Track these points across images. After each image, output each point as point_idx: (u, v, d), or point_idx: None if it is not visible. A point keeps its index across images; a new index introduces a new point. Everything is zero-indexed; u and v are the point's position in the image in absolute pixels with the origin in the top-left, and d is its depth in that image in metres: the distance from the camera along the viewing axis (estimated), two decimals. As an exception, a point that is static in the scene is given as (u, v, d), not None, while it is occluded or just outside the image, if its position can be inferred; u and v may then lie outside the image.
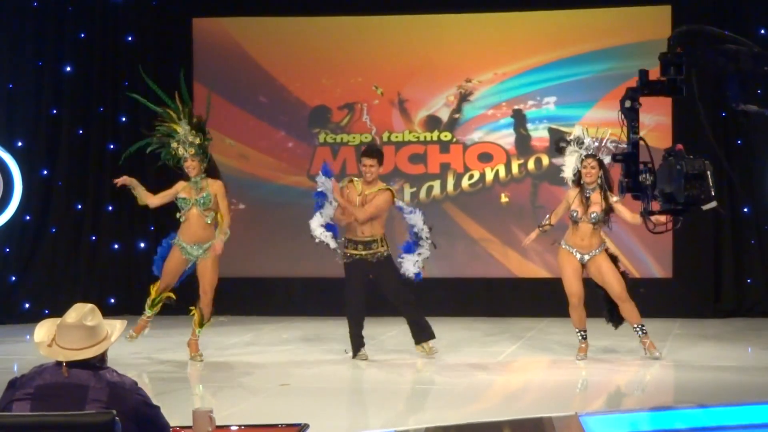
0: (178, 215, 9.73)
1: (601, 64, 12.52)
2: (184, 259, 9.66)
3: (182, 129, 9.67)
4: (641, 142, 5.12)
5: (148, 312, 9.82)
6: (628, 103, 5.19)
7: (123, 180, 9.84)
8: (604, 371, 9.12)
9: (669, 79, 5.05)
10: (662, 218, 5.24)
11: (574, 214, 9.42)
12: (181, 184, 9.73)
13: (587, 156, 9.44)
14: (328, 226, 9.61)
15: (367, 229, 9.54)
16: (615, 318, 9.55)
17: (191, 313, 9.69)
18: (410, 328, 9.72)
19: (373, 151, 9.79)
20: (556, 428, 6.99)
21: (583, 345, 9.54)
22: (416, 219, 9.75)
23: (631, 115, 5.16)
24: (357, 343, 9.60)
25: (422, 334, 9.67)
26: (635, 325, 9.43)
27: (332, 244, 9.57)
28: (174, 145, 9.70)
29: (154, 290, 9.78)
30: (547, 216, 9.69)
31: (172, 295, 9.79)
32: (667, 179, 4.98)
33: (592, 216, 9.35)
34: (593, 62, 12.53)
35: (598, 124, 12.19)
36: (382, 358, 9.69)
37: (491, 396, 8.57)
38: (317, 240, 9.61)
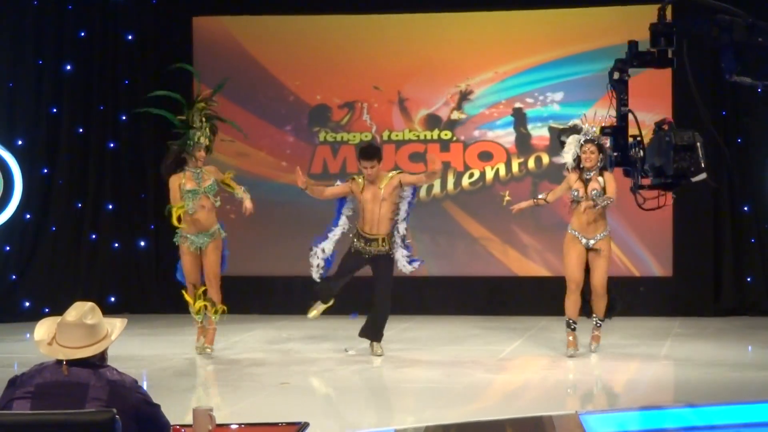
0: (186, 208, 9.66)
1: (602, 63, 12.48)
2: (195, 253, 9.69)
3: (197, 121, 9.74)
4: (630, 116, 5.03)
5: (198, 318, 9.84)
6: (616, 75, 5.13)
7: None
8: (604, 370, 9.12)
9: (659, 50, 4.97)
10: (653, 193, 5.17)
11: (575, 194, 9.43)
12: (176, 179, 9.71)
13: (586, 141, 9.45)
14: (327, 260, 9.84)
15: (374, 226, 9.58)
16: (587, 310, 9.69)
17: (201, 305, 9.73)
18: (370, 323, 9.78)
19: (369, 152, 9.79)
20: (556, 427, 6.99)
21: (571, 338, 9.56)
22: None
23: (620, 87, 5.09)
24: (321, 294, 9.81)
25: (377, 334, 9.76)
26: (597, 317, 9.62)
27: (314, 274, 9.83)
28: (198, 134, 9.71)
29: (188, 296, 9.81)
30: (546, 192, 9.78)
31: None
32: (657, 152, 4.89)
33: (593, 193, 9.34)
34: (593, 61, 12.51)
35: (599, 123, 12.26)
36: (382, 357, 9.68)
37: (491, 395, 8.58)
38: (313, 257, 9.78)
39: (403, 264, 9.78)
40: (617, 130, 5.03)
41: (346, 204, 9.84)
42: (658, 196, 5.14)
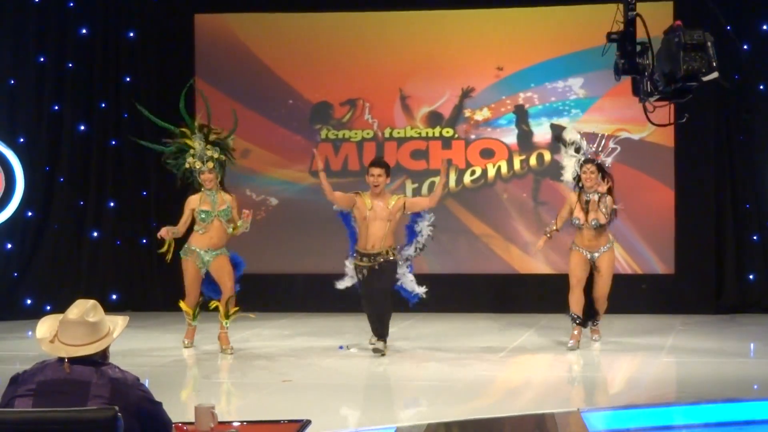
0: (196, 228, 9.77)
1: (603, 61, 12.47)
2: (198, 268, 9.76)
3: (198, 144, 9.74)
4: (638, 19, 4.85)
5: (193, 323, 10.03)
6: None
7: (163, 234, 9.77)
8: (607, 367, 9.12)
9: None
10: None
11: (576, 222, 9.68)
12: (194, 200, 9.80)
13: (586, 161, 9.62)
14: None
15: (378, 243, 9.56)
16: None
17: (212, 308, 9.78)
18: (379, 322, 9.70)
19: (380, 162, 9.88)
20: (558, 424, 6.99)
21: (575, 332, 9.72)
22: (422, 224, 9.83)
23: None
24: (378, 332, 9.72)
25: (385, 331, 9.70)
26: (595, 320, 9.83)
27: (344, 284, 9.90)
28: (190, 159, 9.75)
29: (184, 306, 9.88)
30: (553, 221, 9.89)
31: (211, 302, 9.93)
32: (666, 56, 4.68)
33: (593, 223, 9.56)
34: (595, 58, 12.46)
35: (600, 121, 12.26)
36: (384, 355, 9.68)
37: (493, 392, 8.58)
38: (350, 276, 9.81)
39: (412, 287, 9.80)
40: (624, 36, 4.84)
41: (352, 219, 9.81)
42: (669, 107, 4.90)
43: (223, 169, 9.93)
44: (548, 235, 9.90)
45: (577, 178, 9.69)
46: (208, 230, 9.76)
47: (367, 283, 9.62)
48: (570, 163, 9.75)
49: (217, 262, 9.80)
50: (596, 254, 9.69)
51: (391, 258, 9.61)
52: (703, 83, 4.68)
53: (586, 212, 9.59)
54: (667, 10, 12.31)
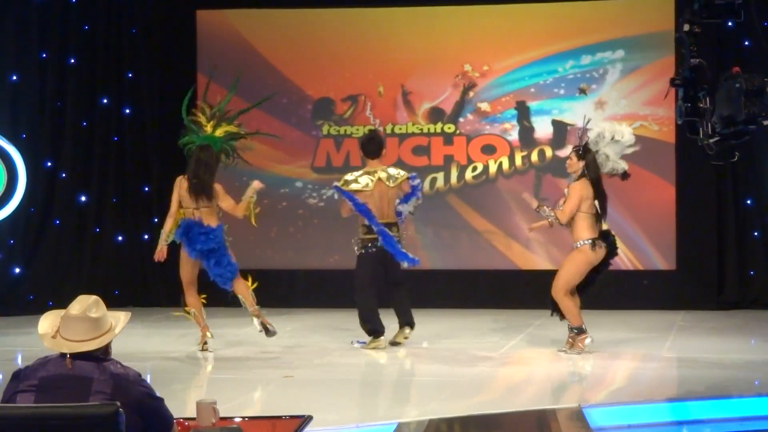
0: (182, 212, 9.68)
1: (605, 56, 12.51)
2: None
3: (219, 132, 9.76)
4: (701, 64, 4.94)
5: (191, 318, 9.87)
6: (686, 27, 5.06)
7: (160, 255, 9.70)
8: (608, 363, 9.12)
9: (727, 2, 4.91)
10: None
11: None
12: (180, 183, 9.66)
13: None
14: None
15: (389, 213, 9.61)
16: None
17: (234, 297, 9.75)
18: (405, 309, 9.72)
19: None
20: (559, 420, 6.99)
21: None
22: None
23: (690, 39, 5.01)
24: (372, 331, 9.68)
25: (412, 318, 9.74)
26: (570, 327, 9.40)
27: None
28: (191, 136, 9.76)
29: (189, 302, 9.81)
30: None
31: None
32: (726, 101, 4.81)
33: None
34: (597, 54, 12.52)
35: (602, 117, 12.25)
36: (385, 350, 9.69)
37: (495, 388, 8.58)
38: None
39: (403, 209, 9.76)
40: (687, 82, 4.96)
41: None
42: (726, 148, 5.07)
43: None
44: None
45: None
46: (202, 215, 9.58)
47: (368, 269, 9.71)
48: (612, 152, 9.31)
49: None
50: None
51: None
52: (764, 126, 4.87)
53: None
54: (669, 4, 12.32)
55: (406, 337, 9.77)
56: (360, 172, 9.77)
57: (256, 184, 9.64)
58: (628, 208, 12.03)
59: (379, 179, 9.68)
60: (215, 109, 9.96)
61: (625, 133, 9.31)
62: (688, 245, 12.27)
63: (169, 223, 9.65)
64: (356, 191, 9.62)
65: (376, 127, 12.73)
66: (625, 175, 9.36)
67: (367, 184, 9.64)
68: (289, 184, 12.93)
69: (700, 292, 12.23)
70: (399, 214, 9.76)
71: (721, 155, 5.22)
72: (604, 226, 9.27)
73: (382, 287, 9.78)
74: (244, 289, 9.61)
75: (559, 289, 9.24)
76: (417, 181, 9.95)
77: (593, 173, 9.17)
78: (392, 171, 9.86)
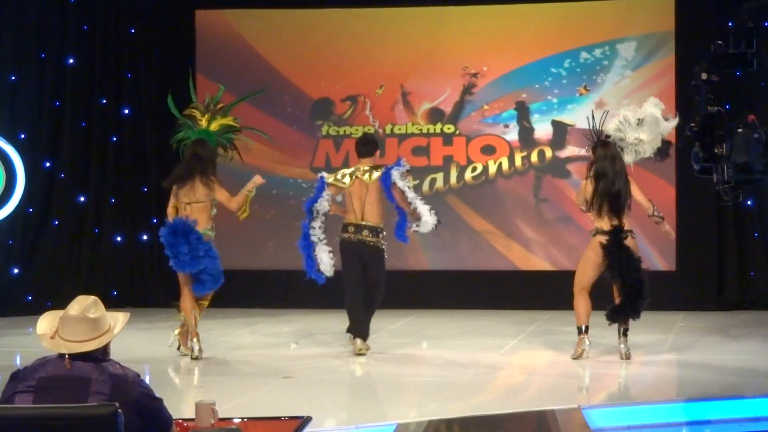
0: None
1: (605, 56, 12.50)
2: None
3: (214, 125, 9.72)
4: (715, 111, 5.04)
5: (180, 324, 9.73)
6: (704, 76, 5.13)
7: None
8: (607, 364, 9.11)
9: (739, 52, 4.99)
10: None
11: None
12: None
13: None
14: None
15: (368, 215, 9.37)
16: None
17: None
18: (364, 320, 9.43)
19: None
20: (559, 421, 6.98)
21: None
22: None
23: (707, 88, 5.09)
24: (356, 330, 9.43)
25: (366, 330, 9.45)
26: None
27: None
28: (187, 132, 9.73)
29: (183, 309, 9.70)
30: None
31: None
32: (743, 149, 4.92)
33: None
34: (597, 54, 12.51)
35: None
36: (384, 351, 9.68)
37: (494, 389, 8.57)
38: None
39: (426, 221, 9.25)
40: (705, 129, 5.07)
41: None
42: (736, 191, 5.20)
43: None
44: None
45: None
46: (192, 212, 9.40)
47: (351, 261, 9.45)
48: (647, 134, 8.99)
49: None
50: None
51: (383, 244, 9.49)
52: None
53: None
54: (669, 4, 12.32)
55: (360, 350, 9.34)
56: (351, 169, 9.59)
57: (257, 179, 9.47)
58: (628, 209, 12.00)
59: (357, 177, 9.35)
60: (208, 101, 9.91)
61: (648, 109, 9.04)
62: (688, 246, 12.26)
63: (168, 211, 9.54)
64: (333, 185, 9.36)
65: (375, 128, 12.72)
66: (664, 151, 9.07)
67: (347, 182, 9.44)
68: (288, 184, 12.92)
69: (700, 292, 12.22)
70: (398, 207, 9.45)
71: (731, 197, 5.35)
72: (624, 223, 9.00)
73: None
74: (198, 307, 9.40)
75: (574, 285, 9.19)
76: (392, 170, 9.29)
77: (595, 169, 9.01)
78: (377, 171, 9.37)
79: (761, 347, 10.18)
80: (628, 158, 9.03)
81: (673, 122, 9.02)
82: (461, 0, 12.71)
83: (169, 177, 9.54)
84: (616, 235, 8.90)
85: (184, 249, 9.13)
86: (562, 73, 12.54)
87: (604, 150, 8.96)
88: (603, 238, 8.92)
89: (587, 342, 9.08)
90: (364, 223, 9.31)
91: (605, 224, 8.93)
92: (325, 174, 9.56)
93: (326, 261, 9.33)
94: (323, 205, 9.33)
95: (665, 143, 9.05)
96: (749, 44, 5.02)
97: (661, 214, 9.16)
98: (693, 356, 9.43)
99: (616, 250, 8.88)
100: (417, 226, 9.25)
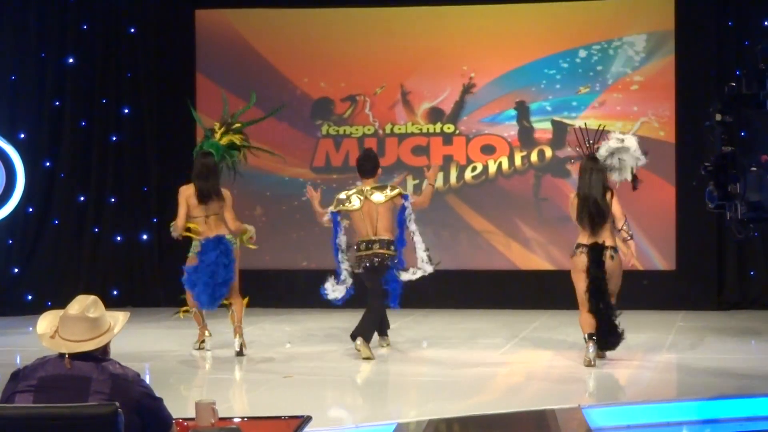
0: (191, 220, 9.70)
1: (605, 56, 12.50)
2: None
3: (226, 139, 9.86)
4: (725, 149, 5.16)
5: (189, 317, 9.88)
6: (718, 117, 5.24)
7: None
8: (607, 363, 9.10)
9: (752, 93, 5.10)
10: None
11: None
12: (186, 191, 9.63)
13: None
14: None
15: (381, 229, 9.51)
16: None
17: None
18: (375, 323, 9.57)
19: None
20: (559, 420, 6.98)
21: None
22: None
23: (721, 128, 5.20)
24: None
25: (371, 333, 9.52)
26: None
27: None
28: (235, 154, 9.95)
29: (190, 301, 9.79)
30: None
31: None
32: (756, 188, 5.05)
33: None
34: (597, 54, 12.51)
35: (600, 117, 12.24)
36: (384, 351, 9.68)
37: (494, 388, 8.57)
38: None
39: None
40: (719, 169, 5.19)
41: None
42: (748, 228, 5.34)
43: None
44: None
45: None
46: (207, 222, 9.53)
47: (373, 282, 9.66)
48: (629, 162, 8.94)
49: None
50: None
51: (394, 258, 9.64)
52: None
53: None
54: (669, 4, 12.32)
55: (357, 349, 9.39)
56: (353, 190, 9.68)
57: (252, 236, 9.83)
58: (627, 208, 11.90)
59: (366, 198, 9.51)
60: (225, 116, 10.03)
61: (629, 140, 9.08)
62: (688, 245, 12.26)
63: (177, 228, 9.61)
64: (342, 212, 9.56)
65: (375, 128, 12.72)
66: (635, 181, 9.07)
67: (355, 205, 9.57)
68: (288, 184, 12.92)
69: (699, 292, 12.22)
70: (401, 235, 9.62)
71: (743, 234, 5.46)
72: (605, 239, 8.97)
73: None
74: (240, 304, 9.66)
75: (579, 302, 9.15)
76: (406, 202, 9.56)
77: (578, 184, 9.03)
78: (385, 190, 9.58)
79: (761, 347, 10.19)
80: (614, 177, 9.03)
81: (643, 161, 9.01)
82: (461, 0, 12.70)
83: (191, 190, 9.57)
84: (595, 251, 8.83)
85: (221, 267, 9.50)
86: (562, 73, 12.54)
87: (589, 164, 8.95)
88: (582, 255, 8.86)
89: (591, 348, 8.96)
90: (375, 238, 9.48)
91: (586, 239, 8.91)
92: (331, 208, 9.62)
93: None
94: (342, 239, 9.60)
95: (634, 177, 9.02)
96: (762, 85, 5.11)
97: (630, 234, 9.07)
98: (692, 356, 9.43)
99: (594, 269, 8.81)
100: (413, 273, 9.54)
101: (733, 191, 5.21)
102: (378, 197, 9.52)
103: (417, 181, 12.68)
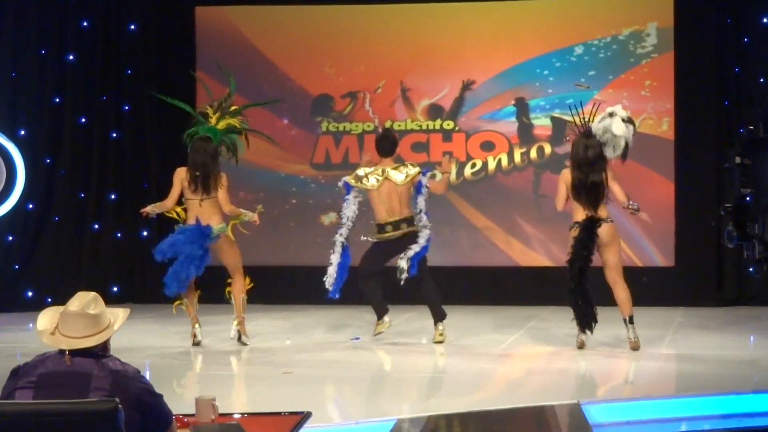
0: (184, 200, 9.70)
1: (604, 53, 12.51)
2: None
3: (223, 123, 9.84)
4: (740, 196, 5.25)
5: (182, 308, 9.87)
6: (738, 159, 5.33)
7: (148, 210, 9.74)
8: (606, 359, 9.12)
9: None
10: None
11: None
12: (184, 173, 9.67)
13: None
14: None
15: (400, 209, 9.68)
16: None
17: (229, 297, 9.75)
18: (440, 301, 9.86)
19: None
20: (558, 416, 7.00)
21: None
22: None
23: (740, 170, 5.29)
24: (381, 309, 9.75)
25: (443, 312, 9.82)
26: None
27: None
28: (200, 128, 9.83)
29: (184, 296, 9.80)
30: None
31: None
32: None
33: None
34: (596, 50, 12.51)
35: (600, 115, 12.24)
36: (384, 347, 9.70)
37: (494, 384, 8.58)
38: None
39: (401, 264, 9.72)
40: (738, 209, 5.30)
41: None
42: (764, 267, 5.49)
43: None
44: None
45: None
46: (202, 205, 9.56)
47: (376, 254, 9.86)
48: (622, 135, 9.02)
49: (221, 247, 9.71)
50: None
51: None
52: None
53: None
54: (668, 1, 12.32)
55: (440, 334, 9.78)
56: (372, 169, 9.80)
57: (255, 217, 9.78)
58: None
59: (387, 177, 9.70)
60: (220, 100, 9.99)
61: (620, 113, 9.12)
62: (687, 242, 12.27)
63: (163, 207, 9.64)
64: (363, 187, 9.70)
65: (375, 125, 12.73)
66: (625, 153, 9.09)
67: (374, 183, 9.70)
68: (288, 180, 12.92)
69: (698, 288, 12.23)
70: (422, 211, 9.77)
71: (760, 272, 5.60)
72: (600, 213, 9.10)
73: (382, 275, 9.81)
74: (240, 290, 9.67)
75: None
76: (424, 178, 9.80)
77: (571, 159, 9.20)
78: (405, 169, 9.82)
79: (760, 343, 10.20)
80: (609, 152, 9.10)
81: (632, 129, 9.12)
82: (461, -3, 12.72)
83: (184, 173, 9.59)
84: (589, 223, 8.99)
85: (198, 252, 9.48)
86: (562, 69, 12.54)
87: (583, 140, 9.08)
88: (576, 229, 9.04)
89: (631, 332, 9.17)
90: (400, 217, 9.70)
91: (580, 216, 9.03)
92: (347, 178, 9.72)
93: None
94: (351, 209, 9.71)
95: (626, 146, 9.09)
96: None
97: (636, 205, 9.16)
98: (692, 352, 9.44)
99: (585, 237, 8.94)
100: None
101: (751, 231, 5.30)
102: (399, 177, 9.72)
103: (423, 179, 12.67)
